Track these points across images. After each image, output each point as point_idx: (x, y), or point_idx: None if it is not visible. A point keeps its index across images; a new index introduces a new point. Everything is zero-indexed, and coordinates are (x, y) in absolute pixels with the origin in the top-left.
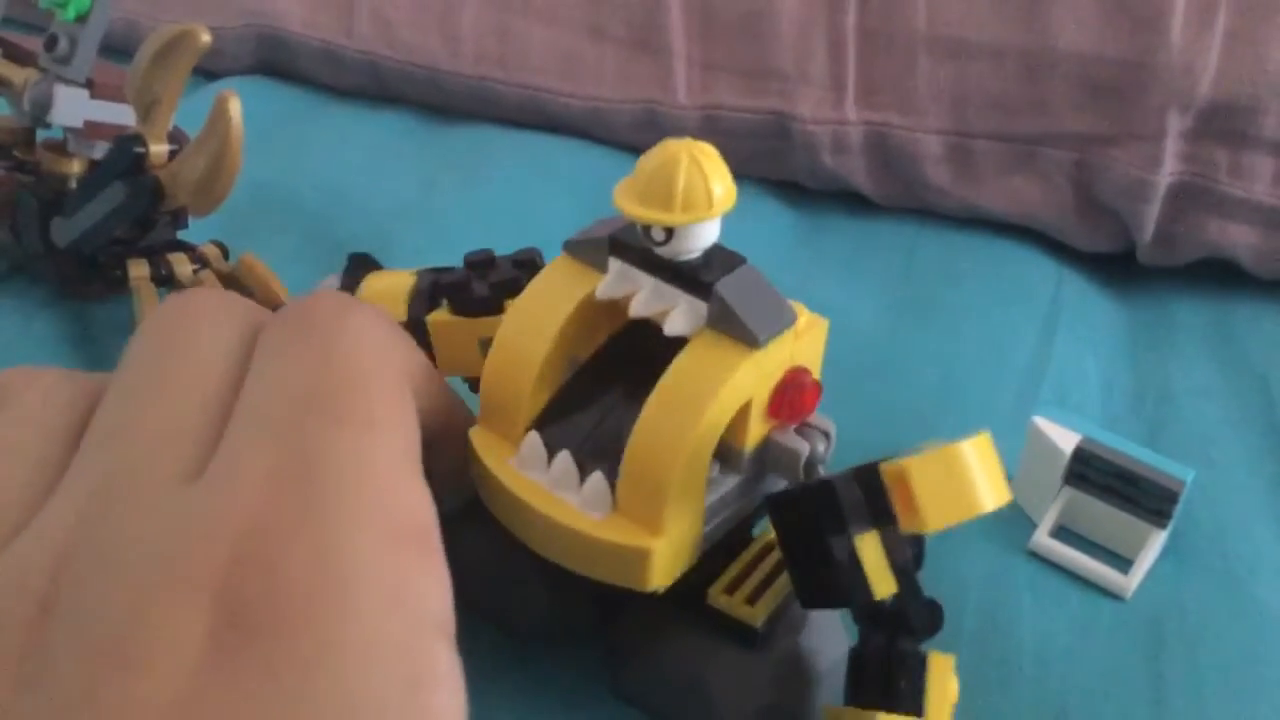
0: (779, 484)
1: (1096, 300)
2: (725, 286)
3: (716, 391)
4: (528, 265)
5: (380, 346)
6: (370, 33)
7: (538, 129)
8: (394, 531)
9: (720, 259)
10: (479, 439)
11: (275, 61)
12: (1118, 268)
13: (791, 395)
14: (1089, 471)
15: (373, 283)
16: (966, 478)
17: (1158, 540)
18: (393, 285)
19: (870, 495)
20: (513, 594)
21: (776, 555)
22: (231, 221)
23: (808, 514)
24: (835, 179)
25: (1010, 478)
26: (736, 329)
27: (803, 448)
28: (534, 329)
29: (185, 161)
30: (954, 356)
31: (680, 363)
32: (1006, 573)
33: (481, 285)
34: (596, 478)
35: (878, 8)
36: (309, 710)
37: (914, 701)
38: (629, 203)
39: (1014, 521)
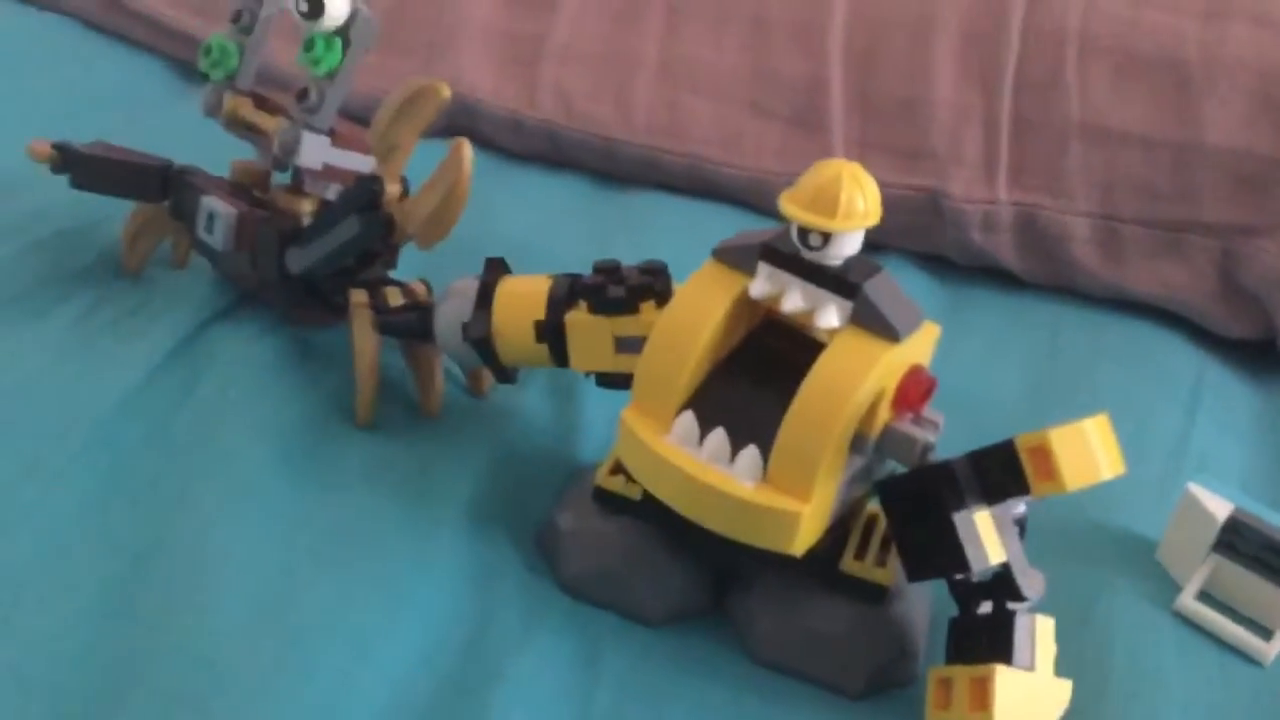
0: (887, 471)
1: (1237, 386)
2: (870, 288)
3: (864, 378)
4: (657, 273)
5: None
6: (551, 103)
7: (701, 197)
8: None
9: (860, 265)
10: (632, 419)
11: (461, 125)
12: (1258, 354)
13: (914, 388)
14: (1238, 541)
15: (509, 285)
16: (1096, 447)
17: None
18: (530, 288)
19: (1000, 468)
20: (649, 582)
21: (882, 527)
22: (426, 268)
23: (926, 494)
24: (983, 255)
25: (1158, 542)
26: (879, 325)
27: (921, 435)
28: (692, 323)
29: (418, 199)
30: None
31: (829, 354)
32: (1152, 630)
33: (617, 288)
34: (751, 452)
35: (1032, 96)
36: None
37: (1028, 656)
38: (796, 209)
39: (1161, 582)
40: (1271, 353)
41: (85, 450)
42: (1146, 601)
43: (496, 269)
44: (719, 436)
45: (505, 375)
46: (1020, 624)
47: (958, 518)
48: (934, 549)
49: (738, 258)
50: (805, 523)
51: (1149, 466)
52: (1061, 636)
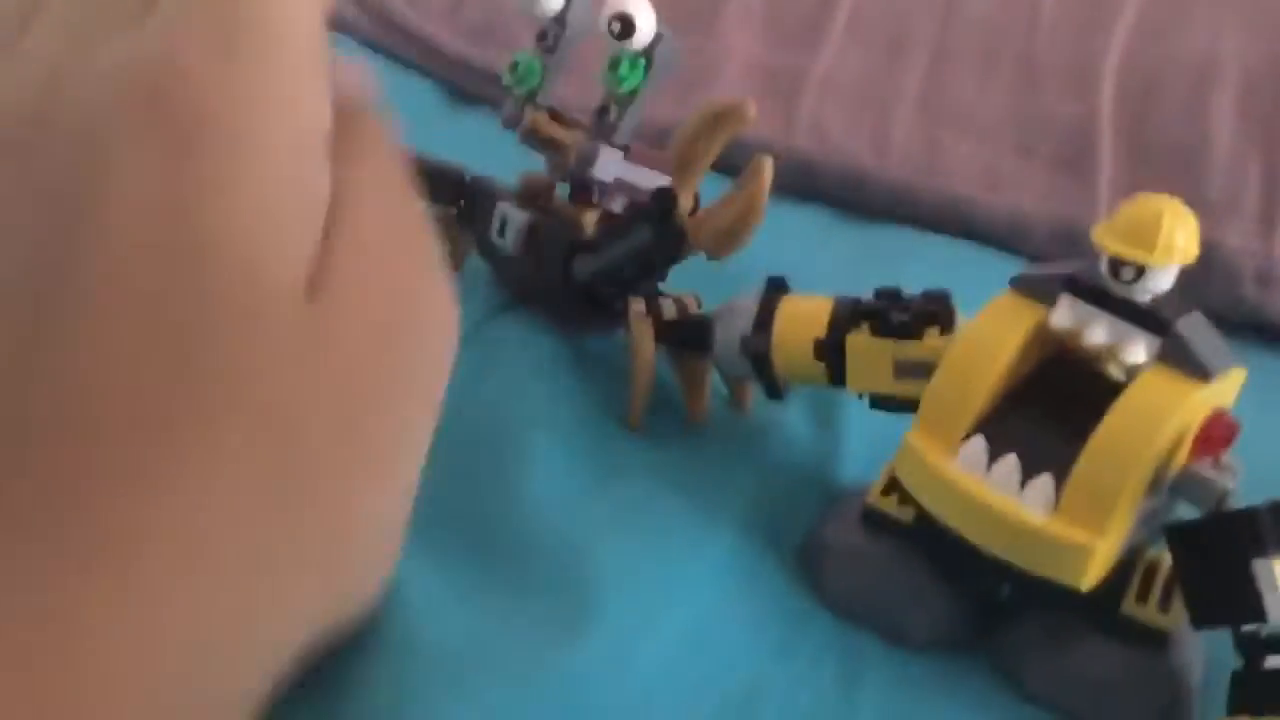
0: (1173, 515)
1: None
2: (1184, 325)
3: (1172, 415)
4: (941, 301)
5: None
6: (806, 136)
7: (954, 234)
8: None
9: (1172, 302)
10: (917, 441)
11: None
12: None
13: (1218, 431)
14: None
15: (790, 305)
16: None
17: None
18: (812, 308)
19: None
20: (913, 605)
21: (1163, 573)
22: (688, 283)
23: (1223, 540)
24: (1256, 312)
25: None
26: (1191, 364)
27: (1221, 480)
28: (989, 349)
29: (713, 212)
30: None
31: (1136, 389)
32: None
33: (901, 313)
34: (1044, 480)
35: None
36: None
37: None
38: (1112, 241)
39: None
40: None
41: None
42: None
43: (778, 288)
44: (1010, 464)
45: (776, 391)
46: None
47: (1258, 564)
48: (1227, 597)
49: (1038, 288)
50: (1099, 557)
51: None
52: None
